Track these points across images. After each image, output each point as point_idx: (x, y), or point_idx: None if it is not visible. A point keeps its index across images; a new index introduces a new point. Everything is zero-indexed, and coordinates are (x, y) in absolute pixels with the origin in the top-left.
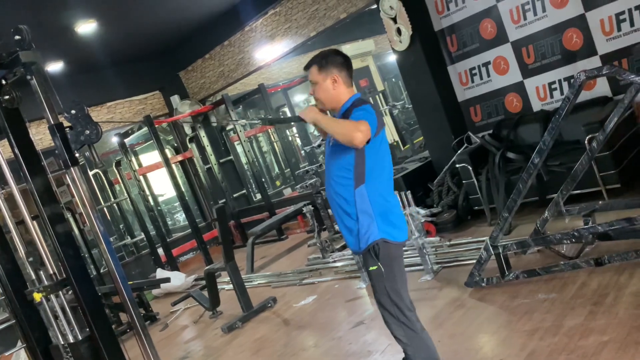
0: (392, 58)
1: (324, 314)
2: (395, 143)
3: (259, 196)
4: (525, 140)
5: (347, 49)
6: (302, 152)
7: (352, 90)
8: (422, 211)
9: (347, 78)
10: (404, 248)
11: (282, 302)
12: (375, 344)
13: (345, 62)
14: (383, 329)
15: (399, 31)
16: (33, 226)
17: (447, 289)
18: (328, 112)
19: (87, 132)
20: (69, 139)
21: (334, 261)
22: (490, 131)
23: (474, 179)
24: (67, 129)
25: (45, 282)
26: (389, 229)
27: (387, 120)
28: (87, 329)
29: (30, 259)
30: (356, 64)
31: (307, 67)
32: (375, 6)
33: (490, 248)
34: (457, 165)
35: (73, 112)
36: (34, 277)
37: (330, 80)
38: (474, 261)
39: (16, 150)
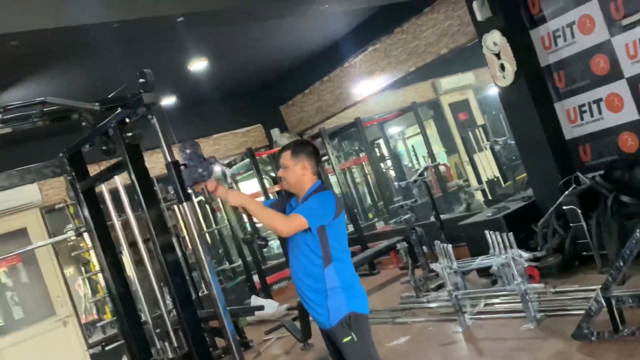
0: (493, 91)
1: (416, 356)
2: (495, 179)
3: (351, 227)
4: None
5: (446, 82)
6: (396, 184)
7: (315, 179)
8: (525, 254)
9: (314, 167)
10: None
11: (374, 339)
12: None
13: (314, 152)
14: None
15: (502, 67)
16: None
17: (551, 340)
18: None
19: (200, 170)
20: (183, 177)
21: (429, 301)
22: (602, 172)
23: (582, 222)
24: (182, 166)
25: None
26: (356, 302)
27: (488, 155)
28: (186, 348)
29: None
30: (455, 98)
31: (282, 151)
32: (477, 41)
33: (602, 299)
34: (564, 207)
35: (188, 151)
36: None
37: (300, 166)
38: (582, 312)
39: (136, 183)
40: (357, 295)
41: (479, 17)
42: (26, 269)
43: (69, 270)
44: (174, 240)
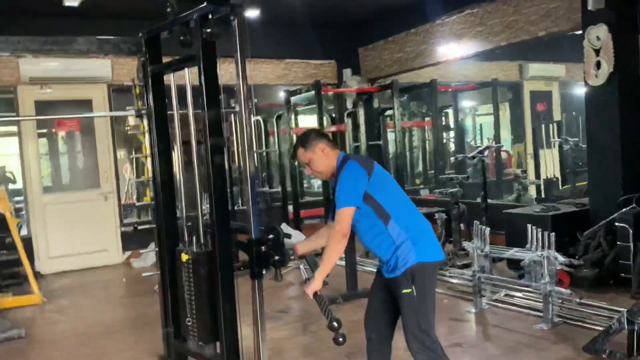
0: (579, 91)
1: None
2: (554, 179)
3: None
4: None
5: (534, 67)
6: (452, 159)
7: (337, 152)
8: (561, 258)
9: (329, 143)
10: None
11: None
12: None
13: (319, 134)
14: (478, 359)
15: (598, 65)
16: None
17: (561, 346)
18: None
19: (277, 257)
20: (261, 256)
21: (451, 276)
22: None
23: (631, 243)
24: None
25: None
26: (424, 251)
27: (554, 154)
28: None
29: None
30: (538, 86)
31: (293, 157)
32: (579, 32)
33: (626, 321)
34: (617, 224)
35: (270, 236)
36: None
37: (319, 150)
38: (600, 328)
39: (202, 79)
40: (426, 243)
41: (590, 6)
42: (82, 138)
43: (120, 153)
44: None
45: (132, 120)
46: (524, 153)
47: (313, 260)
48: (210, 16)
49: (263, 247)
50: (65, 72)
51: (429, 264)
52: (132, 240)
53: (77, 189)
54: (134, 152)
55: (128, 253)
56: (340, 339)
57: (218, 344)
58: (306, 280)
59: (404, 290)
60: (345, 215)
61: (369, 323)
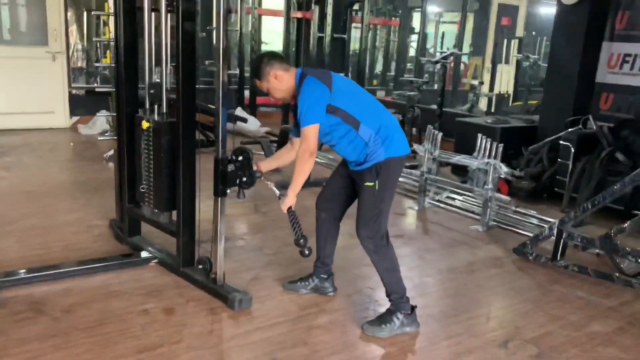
0: (544, 11)
1: None
2: (506, 95)
3: None
4: None
5: None
6: (410, 64)
7: (293, 72)
8: (505, 168)
9: (281, 65)
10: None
11: None
12: (406, 259)
13: (270, 57)
14: (418, 250)
15: None
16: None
17: (492, 246)
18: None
19: (244, 179)
20: (227, 174)
21: None
22: (611, 125)
23: (570, 161)
24: (231, 165)
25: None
26: (392, 148)
27: (510, 71)
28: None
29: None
30: (508, 0)
31: (252, 86)
32: None
33: (556, 229)
34: (561, 142)
35: (240, 158)
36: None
37: (272, 78)
38: (531, 235)
39: None
40: (393, 139)
41: None
42: None
43: (69, 14)
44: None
45: None
46: (482, 66)
47: (268, 145)
48: None
49: (231, 167)
50: None
51: (396, 159)
52: (80, 105)
53: (24, 44)
54: (85, 12)
55: (75, 118)
56: (307, 252)
57: (174, 213)
58: (279, 197)
59: (367, 183)
60: (310, 133)
61: (321, 203)
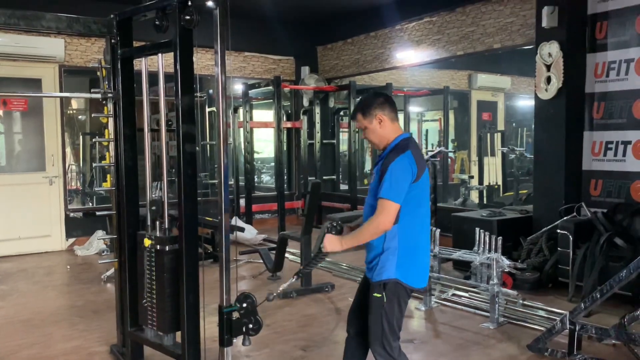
0: (521, 103)
1: None
2: (496, 186)
3: (345, 187)
4: (639, 232)
5: (483, 78)
6: None
7: (398, 127)
8: (507, 261)
9: (390, 114)
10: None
11: (339, 291)
12: None
13: (385, 100)
14: (431, 355)
15: (548, 80)
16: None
17: (506, 344)
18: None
19: (250, 325)
20: (232, 322)
21: None
22: (605, 210)
23: (570, 250)
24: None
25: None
26: (407, 272)
27: (497, 162)
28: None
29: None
30: (485, 96)
31: (353, 117)
32: (532, 47)
33: (568, 322)
34: (558, 231)
35: (244, 305)
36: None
37: (376, 121)
38: (543, 329)
39: (178, 66)
40: (412, 265)
41: (544, 24)
42: (29, 119)
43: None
44: None
45: (75, 104)
46: (468, 160)
47: (267, 253)
48: (189, 2)
49: (235, 315)
50: (15, 49)
51: (406, 286)
52: (76, 227)
53: (21, 171)
54: (80, 136)
55: (72, 240)
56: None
57: (178, 333)
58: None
59: (375, 294)
60: (389, 209)
61: (350, 317)
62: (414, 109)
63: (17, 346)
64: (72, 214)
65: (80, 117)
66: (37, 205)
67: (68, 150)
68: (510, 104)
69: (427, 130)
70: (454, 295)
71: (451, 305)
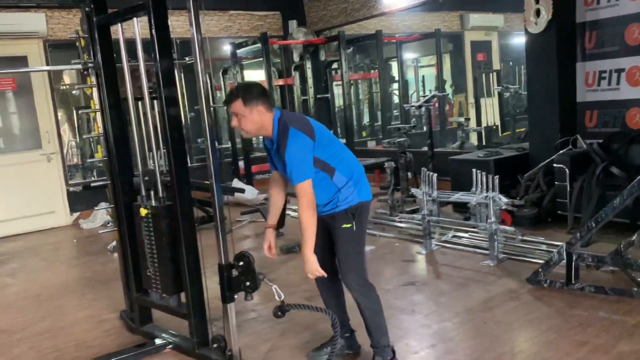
0: (516, 40)
1: (377, 265)
2: (494, 127)
3: (343, 141)
4: (636, 160)
5: (475, 18)
6: (396, 110)
7: (272, 114)
8: (504, 199)
9: (267, 105)
10: None
11: None
12: (421, 306)
13: (263, 92)
14: (432, 295)
15: (537, 13)
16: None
17: (506, 279)
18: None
19: (247, 283)
20: (232, 279)
21: (400, 221)
22: (601, 141)
23: (567, 183)
24: (233, 270)
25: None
26: (363, 193)
27: (494, 102)
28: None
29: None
30: (479, 36)
31: (229, 102)
32: None
33: (565, 252)
34: (555, 165)
35: (241, 263)
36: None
37: (256, 112)
38: (542, 262)
39: (153, 30)
40: (363, 185)
41: None
42: (19, 98)
43: (60, 114)
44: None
45: (67, 79)
46: (465, 103)
47: (267, 211)
48: None
49: (234, 272)
50: None
51: (366, 203)
52: (79, 201)
53: (18, 150)
54: (74, 110)
55: (76, 214)
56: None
57: (182, 294)
58: (281, 300)
59: (344, 225)
60: (306, 188)
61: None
62: (408, 55)
63: (30, 320)
64: (71, 189)
65: (73, 92)
66: (38, 183)
67: (66, 126)
68: (504, 43)
69: (423, 77)
70: (454, 237)
71: (451, 246)
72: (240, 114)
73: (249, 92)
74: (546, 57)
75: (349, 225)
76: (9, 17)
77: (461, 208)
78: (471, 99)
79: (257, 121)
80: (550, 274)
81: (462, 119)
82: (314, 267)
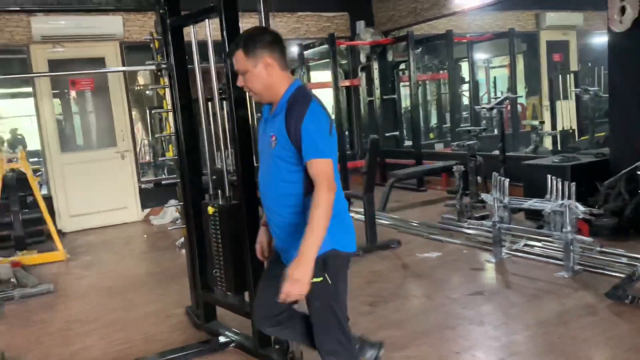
0: (597, 40)
1: (444, 272)
2: (571, 131)
3: (409, 143)
4: None
5: (551, 16)
6: (465, 112)
7: (289, 76)
8: (582, 207)
9: (281, 60)
10: None
11: (406, 248)
12: (491, 317)
13: (274, 39)
14: (502, 306)
15: (622, 10)
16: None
17: (582, 292)
18: (269, 105)
19: None
20: None
21: (469, 227)
22: None
23: None
24: None
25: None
26: (342, 237)
27: (571, 106)
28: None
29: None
30: (556, 36)
31: (230, 54)
32: None
33: None
34: (639, 173)
35: None
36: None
37: (262, 65)
38: (622, 275)
39: (224, 30)
40: (345, 228)
41: None
42: (97, 97)
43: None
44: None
45: (142, 79)
46: (540, 105)
47: None
48: None
49: None
50: (77, 30)
51: (343, 255)
52: (150, 198)
53: (94, 148)
54: (147, 110)
55: (147, 210)
56: None
57: (246, 293)
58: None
59: (313, 279)
60: (327, 168)
61: (262, 312)
62: (479, 56)
63: (102, 311)
64: (143, 186)
65: (147, 92)
66: (113, 179)
67: (139, 125)
68: (583, 42)
69: (495, 78)
70: (525, 245)
71: (523, 255)
72: (244, 69)
73: (252, 40)
74: (631, 57)
75: (319, 279)
76: (90, 20)
77: (534, 216)
78: (546, 102)
79: (264, 78)
80: (633, 289)
81: (536, 122)
82: (307, 278)
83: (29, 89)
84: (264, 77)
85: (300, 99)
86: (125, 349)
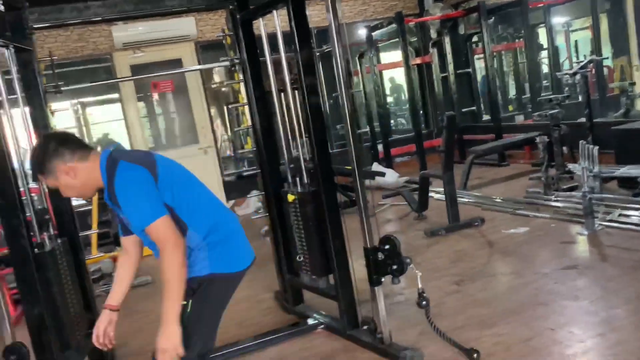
0: None
1: (532, 247)
2: None
3: (487, 117)
4: None
5: None
6: (545, 81)
7: (93, 156)
8: None
9: (74, 155)
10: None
11: (490, 225)
12: (586, 291)
13: (59, 144)
14: (598, 280)
15: None
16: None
17: None
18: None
19: (394, 266)
20: (378, 262)
21: (556, 200)
22: None
23: None
24: (379, 253)
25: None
26: (223, 260)
27: None
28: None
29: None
30: None
31: (34, 179)
32: None
33: None
34: None
35: (387, 247)
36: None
37: (63, 174)
38: None
39: (292, 21)
40: (228, 247)
41: None
42: (177, 98)
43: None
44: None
45: (217, 77)
46: (629, 66)
47: (410, 194)
48: None
49: (380, 255)
50: (154, 34)
51: (223, 276)
52: (233, 190)
53: (178, 146)
54: (224, 106)
55: (232, 202)
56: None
57: (330, 276)
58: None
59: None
60: (161, 229)
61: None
62: (557, 20)
63: None
64: (226, 178)
65: (222, 89)
66: (197, 174)
67: (218, 121)
68: None
69: (576, 41)
70: (621, 215)
71: (618, 226)
72: (54, 186)
73: (39, 160)
74: None
75: (183, 303)
76: (165, 24)
77: (629, 183)
78: (636, 61)
79: (72, 182)
80: None
81: (625, 84)
82: (175, 342)
83: (116, 95)
84: (72, 181)
85: (110, 169)
86: (221, 333)
